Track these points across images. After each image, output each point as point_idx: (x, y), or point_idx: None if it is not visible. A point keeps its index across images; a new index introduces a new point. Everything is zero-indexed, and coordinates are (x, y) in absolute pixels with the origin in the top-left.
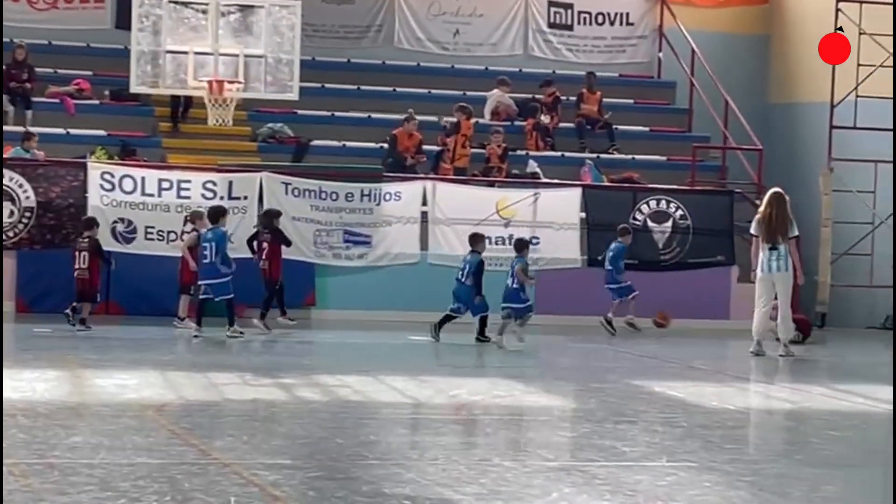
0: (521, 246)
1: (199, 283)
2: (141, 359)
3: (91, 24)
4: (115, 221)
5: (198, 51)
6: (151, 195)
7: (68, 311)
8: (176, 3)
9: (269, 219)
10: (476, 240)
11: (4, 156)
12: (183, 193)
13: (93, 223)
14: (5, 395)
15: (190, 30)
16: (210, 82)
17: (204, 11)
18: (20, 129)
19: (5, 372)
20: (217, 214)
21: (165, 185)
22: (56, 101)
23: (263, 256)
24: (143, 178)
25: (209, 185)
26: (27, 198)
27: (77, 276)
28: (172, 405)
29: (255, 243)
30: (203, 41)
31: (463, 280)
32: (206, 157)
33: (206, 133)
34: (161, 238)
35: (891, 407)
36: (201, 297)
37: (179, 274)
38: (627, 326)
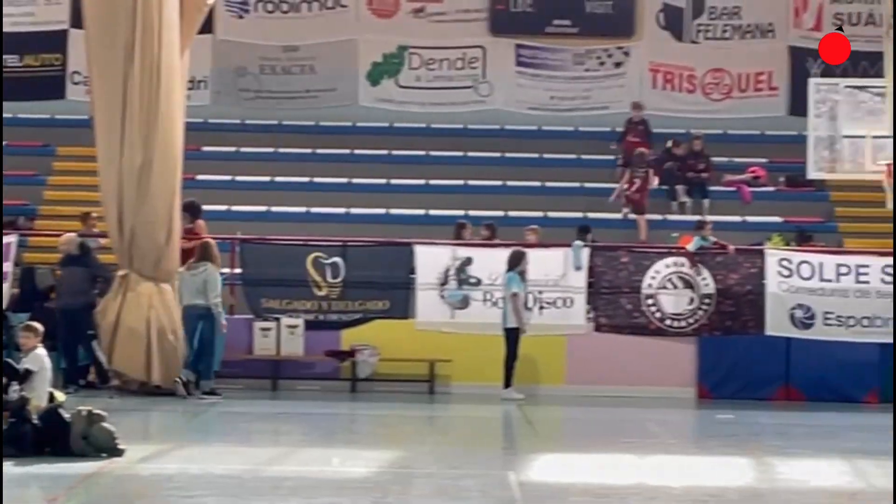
0: None
1: None
2: (824, 445)
3: (765, 111)
4: (793, 308)
5: (877, 134)
6: (829, 280)
7: None
8: (853, 87)
9: None
10: None
11: (687, 247)
12: (861, 279)
13: None
14: (681, 481)
15: (868, 114)
16: (888, 165)
17: (881, 95)
18: (696, 217)
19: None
20: None
21: (843, 269)
22: (732, 189)
23: None
24: (820, 264)
25: (888, 270)
26: (706, 285)
27: None
28: (864, 494)
29: None
30: (882, 124)
31: None
32: (883, 241)
33: (883, 217)
34: (840, 324)
35: None
36: None
37: None
38: None
